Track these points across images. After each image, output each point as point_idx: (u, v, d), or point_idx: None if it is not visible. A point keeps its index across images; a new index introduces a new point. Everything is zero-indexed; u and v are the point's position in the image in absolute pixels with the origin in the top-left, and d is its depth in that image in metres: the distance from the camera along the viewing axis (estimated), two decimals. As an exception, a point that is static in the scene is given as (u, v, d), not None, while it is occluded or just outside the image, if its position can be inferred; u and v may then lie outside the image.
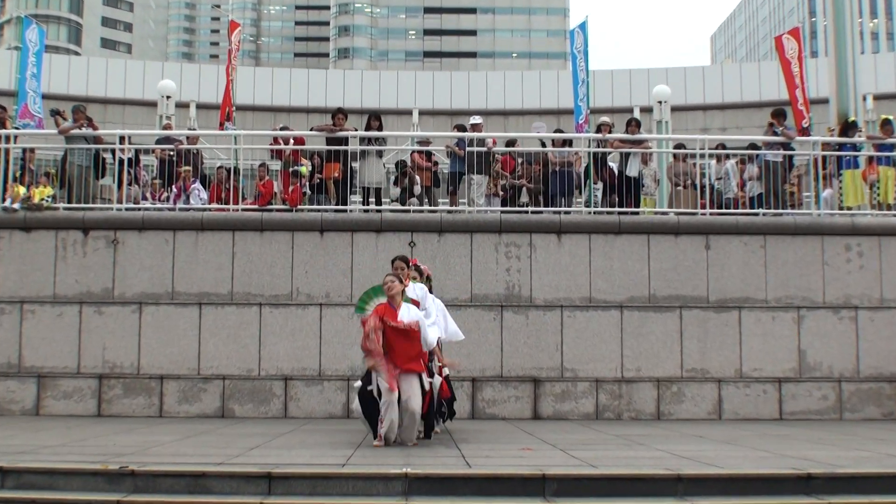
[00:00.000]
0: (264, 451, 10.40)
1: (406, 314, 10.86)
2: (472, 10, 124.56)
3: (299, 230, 16.17)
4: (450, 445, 10.99)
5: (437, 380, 11.26)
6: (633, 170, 17.52)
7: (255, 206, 17.08)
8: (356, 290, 15.75)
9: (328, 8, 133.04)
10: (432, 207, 17.31)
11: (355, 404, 11.06)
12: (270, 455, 9.97)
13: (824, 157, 17.63)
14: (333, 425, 11.58)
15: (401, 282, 10.97)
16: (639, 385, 15.84)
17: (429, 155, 17.87)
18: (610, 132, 17.95)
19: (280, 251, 16.11)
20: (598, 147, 17.58)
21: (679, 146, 18.26)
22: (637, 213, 17.14)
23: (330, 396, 15.47)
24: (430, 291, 12.47)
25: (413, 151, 18.37)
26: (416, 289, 11.53)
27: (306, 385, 15.54)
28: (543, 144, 18.15)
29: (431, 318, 11.30)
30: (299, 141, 17.87)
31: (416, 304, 11.22)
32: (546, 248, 16.21)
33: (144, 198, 18.01)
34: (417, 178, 17.77)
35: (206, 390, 15.70)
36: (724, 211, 17.25)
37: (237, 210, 16.68)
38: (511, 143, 18.51)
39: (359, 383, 11.14)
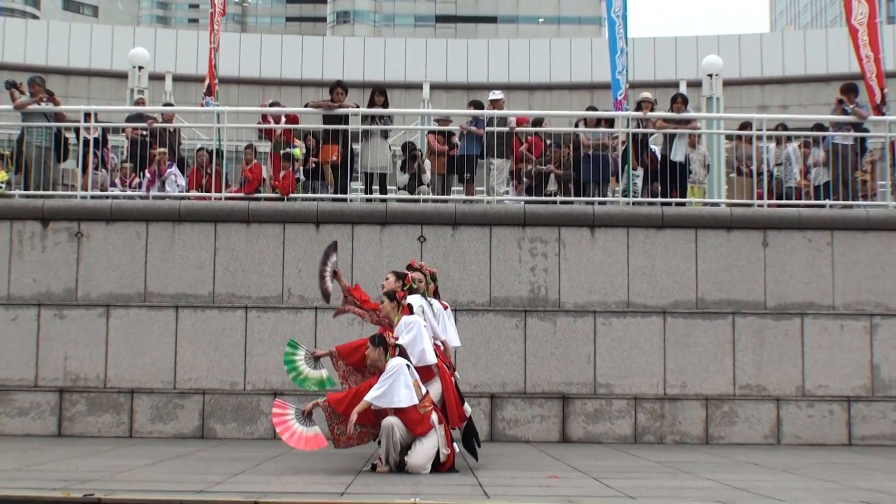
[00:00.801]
0: (251, 477, 10.42)
1: None
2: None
3: (292, 222, 16.19)
4: (465, 472, 11.01)
5: (448, 449, 11.30)
6: (678, 154, 17.48)
7: (241, 195, 17.11)
8: (357, 292, 15.77)
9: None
10: (446, 196, 17.30)
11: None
12: (258, 482, 9.98)
13: (902, 140, 17.54)
14: (331, 448, 11.57)
15: (381, 345, 11.03)
16: (684, 403, 15.83)
17: (446, 136, 17.82)
18: (652, 110, 17.90)
19: (269, 246, 16.14)
20: (639, 127, 17.55)
21: (745, 126, 18.10)
22: (683, 205, 17.12)
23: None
24: (437, 292, 12.46)
25: (429, 132, 18.33)
26: (405, 321, 11.48)
27: (299, 401, 15.48)
28: (577, 125, 18.12)
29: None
30: (292, 119, 17.88)
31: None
32: (577, 244, 16.20)
33: (113, 184, 18.06)
34: (428, 162, 17.75)
35: (183, 407, 15.74)
36: (784, 202, 17.18)
37: (220, 199, 16.70)
38: (537, 122, 18.48)
39: None
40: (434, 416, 10.92)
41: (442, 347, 12.00)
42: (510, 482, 10.23)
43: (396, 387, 10.69)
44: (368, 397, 10.73)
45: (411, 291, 11.93)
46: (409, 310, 11.52)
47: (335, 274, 12.27)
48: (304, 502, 8.72)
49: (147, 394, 15.76)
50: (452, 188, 18.17)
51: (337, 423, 11.00)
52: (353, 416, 10.77)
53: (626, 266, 16.17)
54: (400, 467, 10.84)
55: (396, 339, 11.10)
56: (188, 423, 15.71)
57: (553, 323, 15.94)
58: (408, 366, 10.83)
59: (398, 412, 10.74)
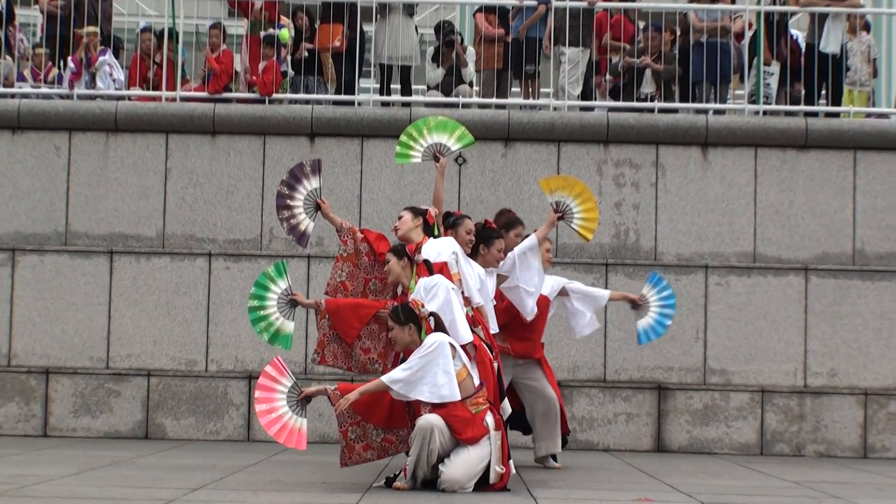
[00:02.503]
0: (214, 493, 10.43)
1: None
2: None
3: (276, 133, 16.22)
4: (519, 490, 10.98)
5: (502, 468, 11.12)
6: (831, 43, 17.33)
7: (204, 94, 17.08)
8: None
9: None
10: (495, 100, 17.23)
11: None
12: (225, 501, 10.00)
13: None
14: (328, 454, 11.54)
15: (412, 321, 10.82)
16: (833, 400, 15.82)
17: (498, 14, 17.65)
18: (794, -21, 17.77)
19: (244, 168, 16.16)
20: (774, 4, 17.36)
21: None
22: (837, 115, 17.03)
23: (323, 407, 15.46)
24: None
25: (477, 10, 18.18)
26: (424, 285, 11.35)
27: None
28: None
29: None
30: (277, -13, 17.82)
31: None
32: (683, 170, 16.18)
33: (21, 78, 18.03)
34: (471, 50, 17.64)
35: (119, 394, 15.81)
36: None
37: (173, 99, 16.72)
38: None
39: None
40: (489, 419, 10.76)
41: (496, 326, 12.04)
42: (583, 507, 10.24)
43: (431, 372, 10.48)
44: (387, 378, 10.50)
45: (433, 235, 11.81)
46: (427, 268, 11.37)
47: (318, 207, 12.07)
48: (290, 530, 8.73)
49: (69, 375, 15.83)
50: (511, 90, 18.05)
51: (352, 423, 10.87)
52: (354, 396, 10.57)
53: (753, 202, 16.14)
54: (428, 484, 10.77)
55: (422, 305, 10.93)
56: (127, 418, 15.79)
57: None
58: (452, 345, 10.66)
59: (438, 408, 10.56)
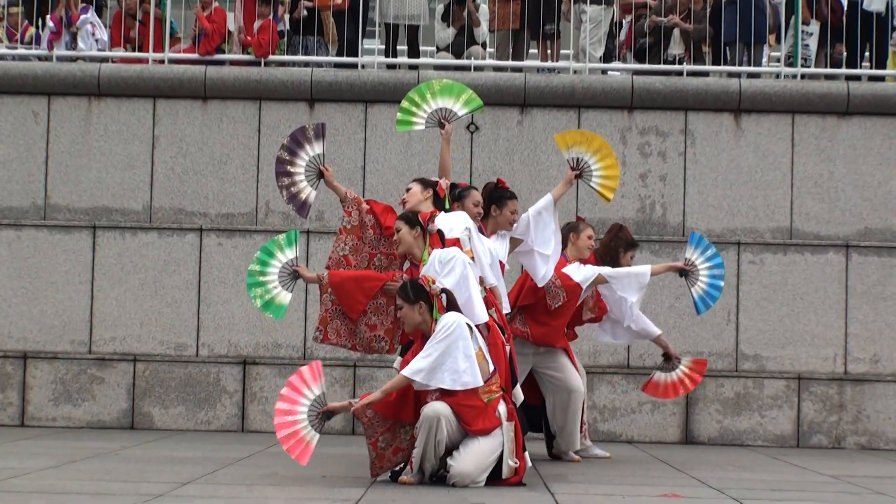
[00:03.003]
0: (206, 488, 10.42)
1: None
2: None
3: (272, 99, 16.25)
4: (535, 486, 10.97)
5: (516, 461, 11.07)
6: (876, 1, 17.27)
7: (194, 56, 17.07)
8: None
9: None
10: (510, 62, 17.21)
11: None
12: (217, 496, 9.99)
13: None
14: (328, 445, 11.51)
15: (422, 298, 10.73)
16: (875, 388, 15.82)
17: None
18: (836, -74, 17.75)
19: (238, 136, 16.18)
20: (813, -43, 17.38)
21: None
22: (882, 79, 17.05)
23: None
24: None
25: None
26: (438, 258, 11.29)
27: (280, 374, 15.54)
28: None
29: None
30: (273, -61, 17.78)
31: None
32: (713, 138, 16.17)
33: (-3, 38, 18.05)
34: (485, 8, 17.62)
35: (103, 381, 15.82)
36: None
37: (161, 61, 16.70)
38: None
39: None
40: (502, 408, 10.70)
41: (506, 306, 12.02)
42: (603, 502, 10.20)
43: (452, 356, 10.37)
44: (408, 371, 10.41)
45: (444, 208, 11.75)
46: (440, 239, 11.29)
47: (321, 174, 12.02)
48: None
49: (48, 360, 15.84)
50: (530, 51, 18.02)
51: (383, 431, 10.77)
52: (375, 396, 10.50)
53: (790, 173, 16.13)
54: (436, 477, 10.74)
55: (433, 281, 10.85)
56: (111, 406, 15.80)
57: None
58: (469, 325, 10.59)
59: (446, 395, 10.49)
